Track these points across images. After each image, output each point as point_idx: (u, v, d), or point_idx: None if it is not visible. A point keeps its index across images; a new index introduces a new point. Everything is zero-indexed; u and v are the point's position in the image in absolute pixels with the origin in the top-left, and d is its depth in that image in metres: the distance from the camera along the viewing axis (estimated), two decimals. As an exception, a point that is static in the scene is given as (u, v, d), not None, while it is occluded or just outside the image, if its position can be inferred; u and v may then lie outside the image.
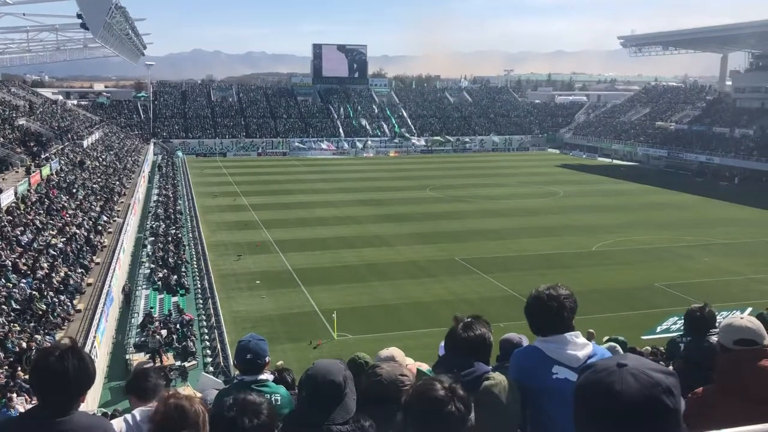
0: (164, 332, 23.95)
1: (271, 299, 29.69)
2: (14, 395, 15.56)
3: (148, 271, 32.29)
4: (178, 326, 24.81)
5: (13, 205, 31.64)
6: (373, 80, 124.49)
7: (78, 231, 32.25)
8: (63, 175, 43.46)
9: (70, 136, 59.46)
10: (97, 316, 21.67)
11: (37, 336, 19.43)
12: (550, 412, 2.87)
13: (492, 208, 53.02)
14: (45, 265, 25.63)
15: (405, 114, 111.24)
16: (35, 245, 27.63)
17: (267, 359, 4.04)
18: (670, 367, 4.02)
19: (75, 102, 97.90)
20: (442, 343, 3.85)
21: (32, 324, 20.48)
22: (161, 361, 21.94)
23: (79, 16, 42.13)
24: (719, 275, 33.50)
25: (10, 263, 24.17)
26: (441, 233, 42.96)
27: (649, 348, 11.12)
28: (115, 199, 43.64)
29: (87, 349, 17.92)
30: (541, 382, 2.92)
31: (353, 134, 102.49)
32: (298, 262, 35.44)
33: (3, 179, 35.22)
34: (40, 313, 21.42)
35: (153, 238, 38.60)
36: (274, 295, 30.27)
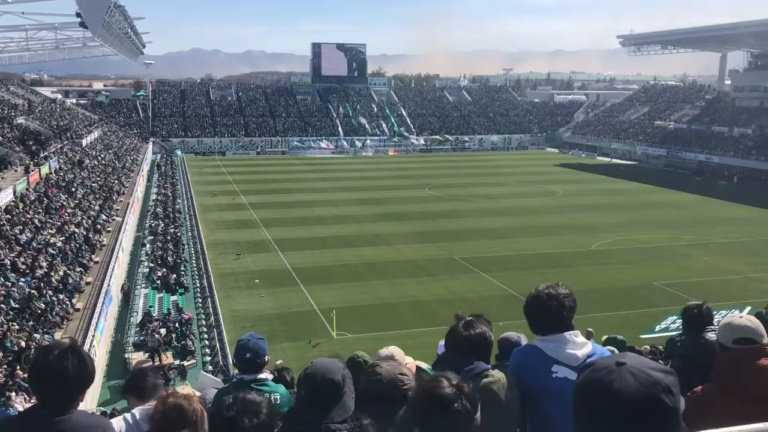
0: (163, 331, 23.94)
1: (271, 298, 29.69)
2: (13, 394, 15.57)
3: (147, 270, 32.28)
4: (177, 325, 24.81)
5: (12, 203, 31.62)
6: (372, 79, 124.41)
7: (77, 230, 32.24)
8: (62, 174, 43.43)
9: (69, 134, 59.43)
10: (96, 315, 21.67)
11: (36, 335, 19.44)
12: (550, 411, 2.87)
13: (491, 207, 53.03)
14: (44, 264, 25.63)
15: (404, 113, 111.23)
16: (34, 244, 27.62)
17: (266, 358, 4.04)
18: (669, 366, 4.01)
19: (74, 101, 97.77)
20: (442, 342, 3.85)
21: (31, 323, 20.48)
22: (160, 360, 21.93)
23: (78, 15, 42.03)
24: (718, 274, 33.54)
25: (8, 262, 24.17)
26: (440, 232, 42.98)
27: (648, 347, 11.13)
28: (114, 198, 43.63)
29: (86, 348, 17.90)
30: (540, 381, 2.92)
31: (352, 133, 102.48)
32: (297, 261, 35.45)
33: (2, 178, 35.19)
34: (39, 312, 21.41)
35: (152, 237, 38.59)
36: (273, 294, 30.27)
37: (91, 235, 32.42)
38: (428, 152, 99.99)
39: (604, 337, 9.72)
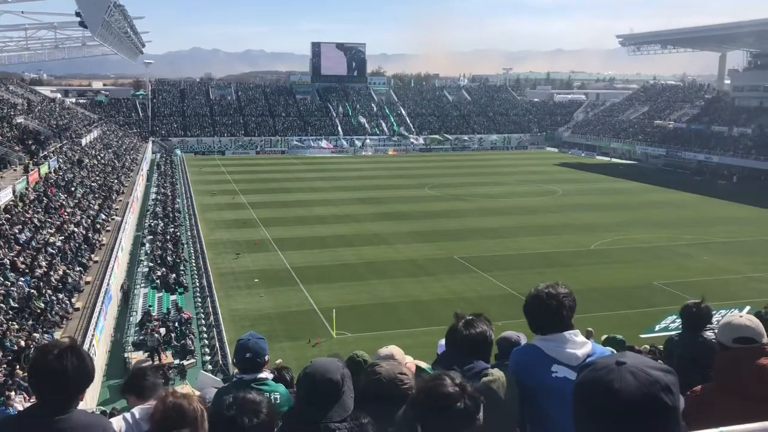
0: (163, 330, 23.94)
1: (270, 298, 29.69)
2: (13, 393, 15.57)
3: (147, 269, 32.28)
4: (176, 324, 24.80)
5: (12, 203, 31.61)
6: (371, 79, 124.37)
7: (76, 229, 32.23)
8: (61, 174, 43.42)
9: (68, 134, 59.41)
10: (95, 315, 21.66)
11: (35, 334, 19.43)
12: (549, 411, 2.87)
13: (491, 206, 53.04)
14: (43, 263, 25.62)
15: (404, 112, 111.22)
16: (33, 243, 27.61)
17: (266, 358, 4.03)
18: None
19: (73, 100, 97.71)
20: (441, 341, 3.85)
21: (30, 322, 20.47)
22: (160, 360, 21.93)
23: (77, 14, 42.01)
24: (718, 274, 33.55)
25: (8, 261, 24.16)
26: (440, 232, 42.99)
27: (647, 346, 11.14)
28: (114, 198, 43.61)
29: (85, 347, 17.90)
30: (540, 380, 2.92)
31: (352, 133, 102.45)
32: (296, 261, 35.44)
33: (1, 177, 35.17)
34: (39, 311, 21.41)
35: (151, 237, 38.57)
36: (272, 293, 30.27)
37: (90, 235, 32.41)
38: (428, 152, 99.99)
39: (604, 337, 9.70)
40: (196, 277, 32.24)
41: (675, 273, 33.38)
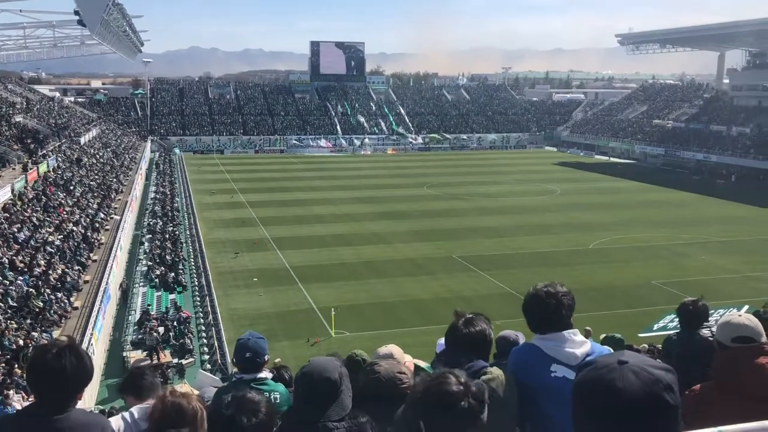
0: (161, 329, 23.92)
1: (269, 297, 29.68)
2: (11, 392, 15.56)
3: (146, 268, 32.24)
4: (175, 323, 24.79)
5: (10, 202, 31.57)
6: (370, 78, 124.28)
7: (75, 228, 32.21)
8: (60, 172, 43.38)
9: (67, 133, 59.34)
10: (94, 314, 21.66)
11: (34, 333, 19.43)
12: (549, 411, 2.87)
13: (489, 205, 53.05)
14: (42, 262, 25.61)
15: (402, 111, 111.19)
16: (32, 242, 27.60)
17: (266, 357, 4.02)
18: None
19: (72, 99, 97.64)
20: (440, 340, 3.85)
21: (29, 321, 20.46)
22: (158, 359, 21.93)
23: (76, 13, 42.04)
24: (716, 273, 33.58)
25: (7, 260, 24.14)
26: (438, 231, 43.00)
27: (646, 345, 11.15)
28: (113, 197, 43.59)
29: (84, 346, 17.90)
30: (539, 380, 2.92)
31: (351, 132, 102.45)
32: (295, 260, 35.44)
33: (0, 176, 35.14)
34: (37, 310, 21.40)
35: (150, 236, 38.53)
36: (271, 292, 30.26)
37: (89, 234, 32.39)
38: (426, 151, 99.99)
39: (602, 336, 9.73)
40: (195, 276, 32.23)
41: (673, 272, 33.41)
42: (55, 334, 19.88)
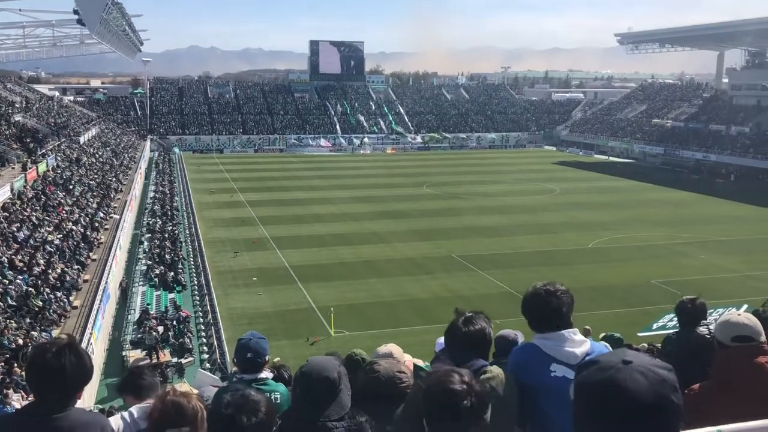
0: (161, 329, 23.90)
1: (268, 296, 29.68)
2: (11, 391, 15.55)
3: (145, 267, 32.24)
4: (174, 323, 24.78)
5: (10, 201, 31.55)
6: (370, 77, 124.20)
7: (75, 227, 32.20)
8: (59, 172, 43.34)
9: (66, 132, 59.31)
10: (93, 313, 21.65)
11: (33, 332, 19.41)
12: (549, 411, 2.87)
13: (488, 205, 53.04)
14: (41, 261, 25.59)
15: (402, 111, 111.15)
16: (32, 242, 27.58)
17: (267, 358, 4.01)
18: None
19: (71, 98, 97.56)
20: (440, 339, 3.85)
21: (28, 320, 20.44)
22: (158, 358, 21.93)
23: (75, 12, 42.02)
24: (715, 272, 33.58)
25: (6, 260, 24.12)
26: (438, 230, 42.99)
27: (645, 345, 11.14)
28: (112, 196, 43.57)
29: (83, 345, 17.87)
30: (539, 379, 2.92)
31: (350, 131, 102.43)
32: (294, 259, 35.43)
33: (-1, 175, 35.14)
34: (37, 309, 21.38)
35: (150, 235, 38.52)
36: (270, 291, 30.26)
37: (88, 233, 32.37)
38: (426, 150, 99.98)
39: (601, 335, 9.73)
40: (195, 275, 32.21)
41: (672, 271, 33.41)
42: (55, 333, 19.87)
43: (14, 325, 19.61)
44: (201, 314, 26.93)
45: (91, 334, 19.98)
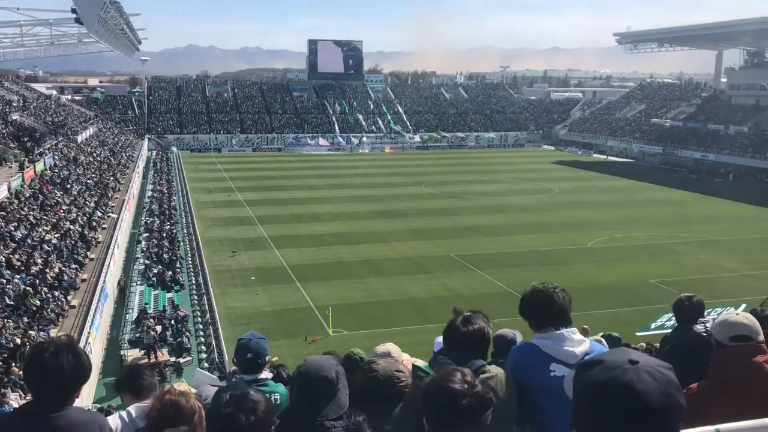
0: (159, 328, 23.89)
1: (266, 295, 29.66)
2: (8, 391, 15.54)
3: (143, 267, 32.21)
4: (172, 322, 24.77)
5: (7, 200, 31.51)
6: (368, 76, 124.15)
7: (72, 227, 32.16)
8: (57, 171, 43.30)
9: (64, 131, 59.23)
10: (91, 312, 21.62)
11: (31, 332, 19.39)
12: (548, 411, 2.87)
13: (487, 204, 53.05)
14: (39, 260, 25.56)
15: (401, 110, 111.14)
16: (29, 241, 27.54)
17: (267, 358, 4.00)
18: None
19: (69, 97, 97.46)
20: (438, 339, 3.85)
21: (26, 320, 20.42)
22: (156, 357, 21.92)
23: (73, 11, 42.01)
24: (714, 272, 33.60)
25: (3, 259, 24.09)
26: (436, 229, 43.00)
27: (643, 344, 11.14)
28: (110, 195, 43.53)
29: (81, 345, 17.87)
30: (538, 379, 2.92)
31: (348, 130, 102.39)
32: (293, 258, 35.42)
33: (-3, 174, 35.08)
34: (34, 308, 21.36)
35: (147, 234, 38.48)
36: (269, 291, 30.25)
37: (86, 232, 32.34)
38: (425, 149, 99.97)
39: (599, 335, 9.73)
40: (193, 274, 32.19)
41: (671, 271, 33.44)
42: (53, 332, 19.86)
43: (12, 324, 19.59)
44: (199, 313, 26.91)
45: (89, 333, 19.96)
